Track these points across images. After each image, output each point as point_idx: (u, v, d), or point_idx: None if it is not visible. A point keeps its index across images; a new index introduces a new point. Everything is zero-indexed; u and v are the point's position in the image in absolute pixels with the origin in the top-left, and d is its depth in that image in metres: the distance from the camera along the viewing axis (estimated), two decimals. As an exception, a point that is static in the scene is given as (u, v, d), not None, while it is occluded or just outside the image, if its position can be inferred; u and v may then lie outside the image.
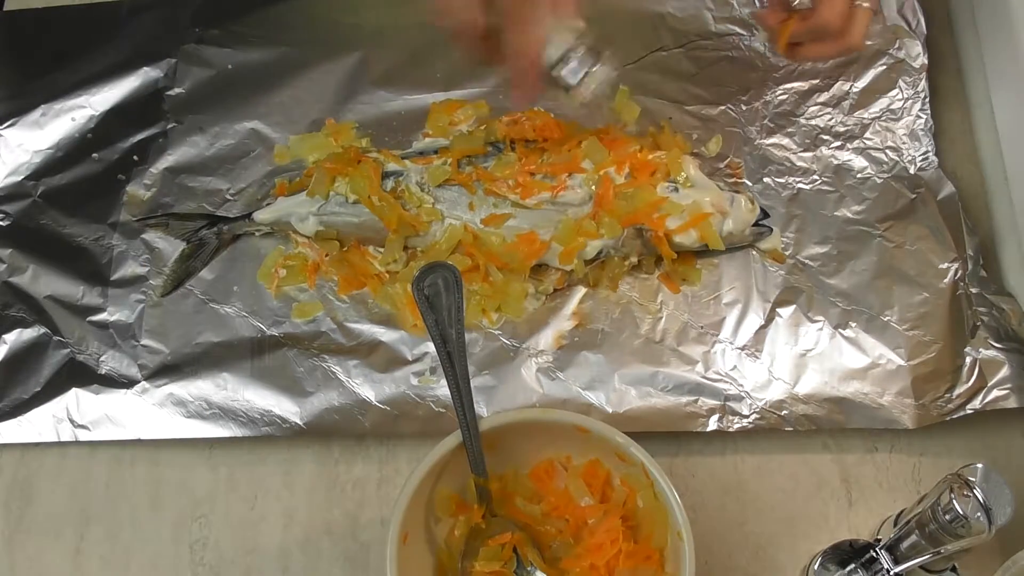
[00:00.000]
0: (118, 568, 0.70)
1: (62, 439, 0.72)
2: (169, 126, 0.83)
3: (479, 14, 0.60)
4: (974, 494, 0.53)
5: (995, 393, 0.67)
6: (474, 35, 0.61)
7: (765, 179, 0.77)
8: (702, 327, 0.72)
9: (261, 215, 0.77)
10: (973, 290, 0.71)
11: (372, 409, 0.71)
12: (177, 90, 0.84)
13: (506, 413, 0.64)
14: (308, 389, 0.72)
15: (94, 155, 0.82)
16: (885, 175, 0.76)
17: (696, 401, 0.69)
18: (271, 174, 0.80)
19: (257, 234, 0.78)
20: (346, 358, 0.73)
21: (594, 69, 0.63)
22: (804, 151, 0.78)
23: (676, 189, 0.73)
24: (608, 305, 0.74)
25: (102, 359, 0.74)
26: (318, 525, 0.70)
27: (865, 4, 0.68)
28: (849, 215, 0.75)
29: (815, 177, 0.77)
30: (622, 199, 0.72)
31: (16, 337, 0.75)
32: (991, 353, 0.69)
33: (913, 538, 0.58)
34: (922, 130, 0.78)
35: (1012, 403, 0.67)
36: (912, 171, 0.76)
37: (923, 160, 0.77)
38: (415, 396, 0.71)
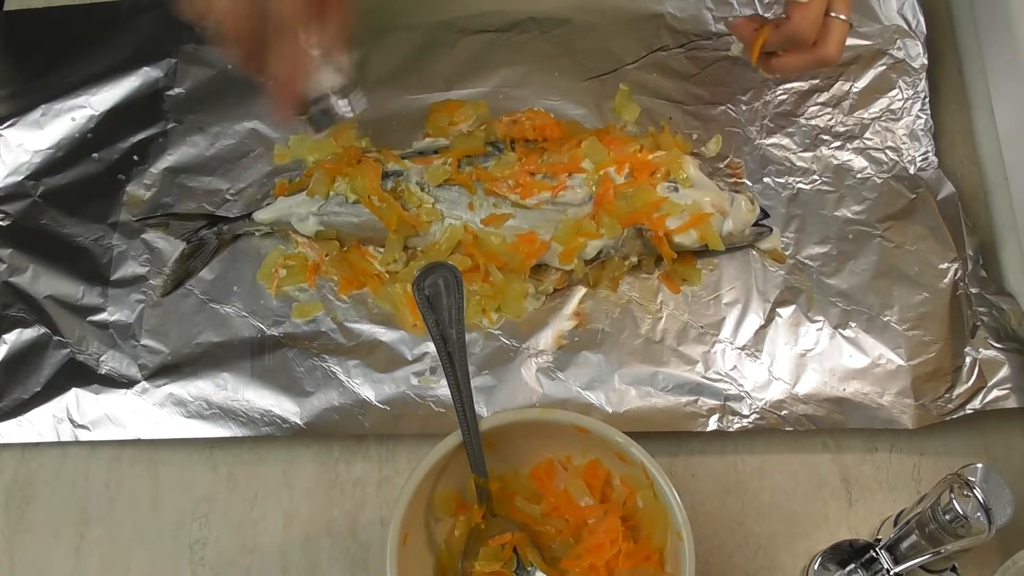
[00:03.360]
0: (118, 568, 0.70)
1: (62, 439, 0.72)
2: (169, 126, 0.83)
3: (243, 19, 0.56)
4: (974, 494, 0.53)
5: (995, 393, 0.67)
6: (234, 37, 0.56)
7: (765, 179, 0.77)
8: (702, 327, 0.72)
9: (261, 215, 0.77)
10: (973, 290, 0.71)
11: (372, 409, 0.71)
12: (177, 90, 0.84)
13: (506, 413, 0.64)
14: (308, 389, 0.72)
15: (94, 155, 0.82)
16: (885, 175, 0.76)
17: (696, 401, 0.69)
18: (271, 174, 0.80)
19: (257, 234, 0.78)
20: (346, 358, 0.73)
21: (342, 114, 0.62)
22: (804, 151, 0.78)
23: (676, 189, 0.73)
24: (608, 305, 0.74)
25: (102, 359, 0.74)
26: (318, 525, 0.70)
27: (842, 16, 0.67)
28: (849, 215, 0.75)
29: (815, 177, 0.77)
30: (622, 199, 0.72)
31: (16, 337, 0.75)
32: (991, 353, 0.69)
33: (913, 538, 0.58)
34: (922, 130, 0.78)
35: (1012, 403, 0.67)
36: (912, 171, 0.76)
37: (923, 160, 0.77)
38: (415, 396, 0.71)
